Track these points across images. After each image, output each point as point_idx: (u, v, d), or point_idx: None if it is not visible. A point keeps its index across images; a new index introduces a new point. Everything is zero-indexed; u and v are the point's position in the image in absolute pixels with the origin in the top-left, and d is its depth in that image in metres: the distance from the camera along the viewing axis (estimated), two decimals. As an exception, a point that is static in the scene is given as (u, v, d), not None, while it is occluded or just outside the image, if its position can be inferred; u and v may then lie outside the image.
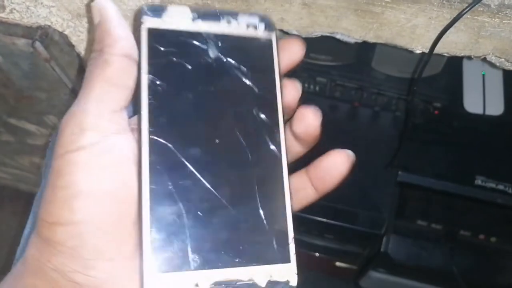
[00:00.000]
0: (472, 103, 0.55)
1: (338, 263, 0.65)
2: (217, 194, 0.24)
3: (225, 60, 0.25)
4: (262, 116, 0.25)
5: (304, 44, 0.27)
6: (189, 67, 0.25)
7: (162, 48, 0.25)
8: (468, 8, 0.31)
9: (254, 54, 0.26)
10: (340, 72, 0.55)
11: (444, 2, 0.31)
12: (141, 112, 0.24)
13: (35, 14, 0.39)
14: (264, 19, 0.26)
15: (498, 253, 0.54)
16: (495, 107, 0.54)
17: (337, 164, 0.26)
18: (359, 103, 0.56)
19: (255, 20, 0.26)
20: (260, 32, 0.26)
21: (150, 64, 0.25)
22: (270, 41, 0.26)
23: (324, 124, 0.26)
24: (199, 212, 0.23)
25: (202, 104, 0.25)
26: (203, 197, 0.23)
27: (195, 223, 0.23)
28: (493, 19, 0.32)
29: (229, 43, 0.25)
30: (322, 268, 0.67)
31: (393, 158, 0.53)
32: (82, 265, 0.23)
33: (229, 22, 0.26)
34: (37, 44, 0.41)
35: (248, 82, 0.25)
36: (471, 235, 0.54)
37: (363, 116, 0.56)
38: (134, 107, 0.26)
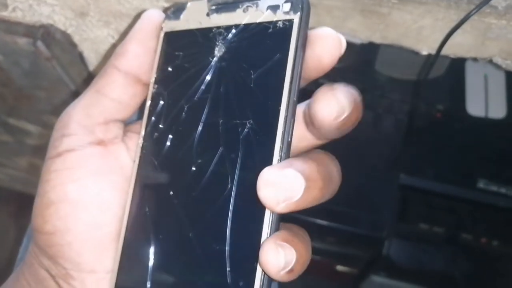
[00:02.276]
0: (474, 106, 0.55)
1: (338, 267, 0.64)
2: (186, 225, 0.21)
3: (228, 59, 0.22)
4: (257, 137, 0.20)
5: (343, 41, 0.21)
6: (193, 71, 0.23)
7: (170, 54, 0.23)
8: (476, 9, 0.31)
9: (264, 47, 0.21)
10: (343, 74, 0.55)
11: (451, 3, 0.31)
12: (141, 130, 0.23)
13: (37, 13, 0.38)
14: None
15: (500, 256, 0.54)
16: (498, 110, 0.54)
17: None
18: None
19: (279, 0, 0.21)
20: (280, 14, 0.20)
21: (158, 71, 0.24)
22: (290, 25, 0.20)
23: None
24: (167, 251, 0.21)
25: (197, 114, 0.22)
26: (175, 236, 0.21)
27: (160, 262, 0.21)
28: (500, 21, 0.32)
29: (239, 36, 0.22)
30: (322, 272, 0.67)
31: (395, 161, 0.53)
32: (63, 273, 0.23)
33: (246, 9, 0.21)
34: (39, 43, 0.40)
35: (250, 87, 0.21)
36: (473, 239, 0.54)
37: (366, 118, 0.56)
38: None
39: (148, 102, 0.24)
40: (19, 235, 0.39)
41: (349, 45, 0.37)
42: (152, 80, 0.24)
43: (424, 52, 0.35)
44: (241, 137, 0.20)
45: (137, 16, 0.36)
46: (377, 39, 0.35)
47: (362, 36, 0.35)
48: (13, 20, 0.40)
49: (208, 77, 0.22)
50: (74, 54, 0.43)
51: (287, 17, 0.20)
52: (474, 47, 0.34)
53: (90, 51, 0.42)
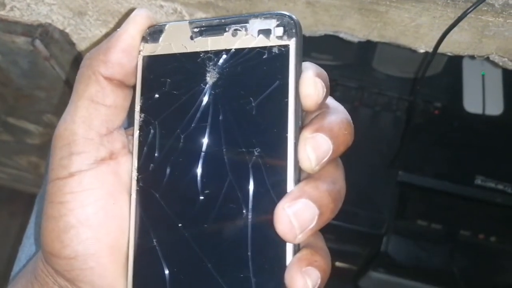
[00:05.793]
0: (471, 103, 0.55)
1: (337, 263, 0.64)
2: (202, 255, 0.21)
3: (223, 86, 0.21)
4: (268, 165, 0.20)
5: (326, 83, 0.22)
6: (183, 98, 0.22)
7: (155, 80, 0.22)
8: (473, 7, 0.31)
9: (261, 73, 0.20)
10: (341, 71, 0.55)
11: (448, 1, 0.32)
12: (132, 155, 0.23)
13: (35, 12, 0.39)
14: (283, 21, 0.20)
15: (498, 252, 0.55)
16: (495, 107, 0.54)
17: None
18: (360, 103, 0.56)
19: (270, 24, 0.21)
20: (274, 39, 0.20)
21: (143, 99, 0.23)
22: (287, 50, 0.20)
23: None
24: (183, 283, 0.21)
25: (197, 143, 0.21)
26: (187, 257, 0.21)
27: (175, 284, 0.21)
28: (497, 19, 0.32)
29: (233, 62, 0.21)
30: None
31: (393, 158, 0.53)
32: None
33: (235, 33, 0.21)
34: (37, 43, 0.40)
35: (252, 114, 0.20)
36: (471, 235, 0.54)
37: (364, 116, 0.56)
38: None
39: (137, 133, 0.23)
40: (20, 234, 0.39)
41: (347, 43, 0.37)
42: (138, 108, 0.23)
43: (422, 50, 0.35)
44: (250, 166, 0.20)
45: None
46: (374, 37, 0.35)
47: (360, 34, 0.35)
48: (11, 19, 0.40)
49: (204, 105, 0.21)
50: (73, 53, 0.43)
51: (282, 42, 0.20)
52: (472, 45, 0.34)
53: (88, 51, 0.42)
